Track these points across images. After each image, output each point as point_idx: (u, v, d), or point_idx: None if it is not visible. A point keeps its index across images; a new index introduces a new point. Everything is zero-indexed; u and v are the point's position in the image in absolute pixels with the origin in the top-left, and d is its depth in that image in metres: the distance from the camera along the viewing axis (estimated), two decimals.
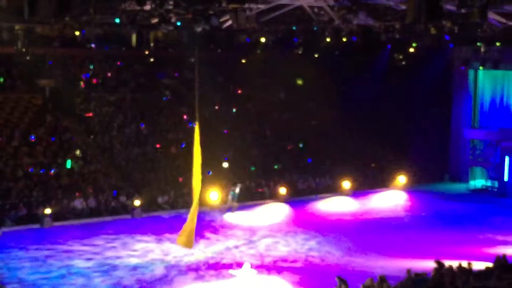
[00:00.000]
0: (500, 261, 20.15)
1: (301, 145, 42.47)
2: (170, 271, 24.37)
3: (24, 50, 39.19)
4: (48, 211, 30.57)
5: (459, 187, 41.54)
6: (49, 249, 26.84)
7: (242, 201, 35.05)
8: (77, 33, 32.49)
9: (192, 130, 39.14)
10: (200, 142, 28.37)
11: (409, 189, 39.96)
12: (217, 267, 24.79)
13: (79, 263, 24.98)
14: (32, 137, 35.30)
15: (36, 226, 30.36)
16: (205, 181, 33.83)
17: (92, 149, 36.55)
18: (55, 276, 23.54)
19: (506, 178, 39.38)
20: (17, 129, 35.41)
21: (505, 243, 28.19)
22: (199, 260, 25.69)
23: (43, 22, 30.33)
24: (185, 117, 40.73)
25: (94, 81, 40.83)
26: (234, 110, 43.35)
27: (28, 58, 39.42)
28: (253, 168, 38.88)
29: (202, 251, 26.80)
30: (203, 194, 33.86)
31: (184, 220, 27.03)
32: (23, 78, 38.55)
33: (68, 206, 31.87)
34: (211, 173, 35.48)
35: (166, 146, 38.30)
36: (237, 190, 33.71)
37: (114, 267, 24.68)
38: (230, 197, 33.75)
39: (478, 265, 20.66)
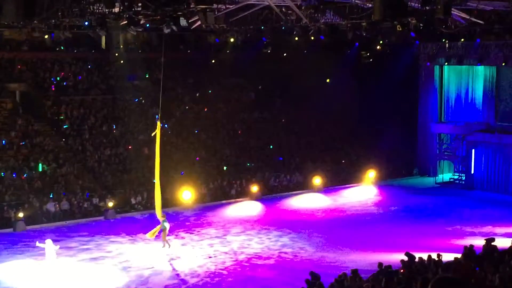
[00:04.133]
0: (467, 252, 20.66)
1: (271, 144, 42.73)
2: (145, 271, 24.54)
3: None
4: (21, 215, 30.51)
5: (428, 180, 42.20)
6: (22, 253, 26.81)
7: (215, 200, 35.41)
8: (46, 36, 32.40)
9: (163, 130, 39.49)
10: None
11: (379, 184, 40.52)
12: (191, 266, 25.02)
13: (53, 267, 24.99)
14: (3, 141, 35.17)
15: (9, 230, 30.28)
16: (178, 181, 34.46)
17: (64, 151, 36.52)
18: (29, 281, 23.52)
19: (472, 171, 40.16)
20: None
21: (473, 234, 28.87)
22: (174, 259, 25.92)
23: (11, 26, 30.22)
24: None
25: (64, 84, 40.71)
26: (205, 110, 43.52)
27: None
28: (225, 168, 39.12)
29: (177, 250, 27.03)
30: (176, 194, 34.22)
31: (158, 221, 27.34)
32: None
33: (41, 210, 31.83)
34: (183, 173, 35.76)
35: (138, 147, 38.36)
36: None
37: (89, 269, 24.78)
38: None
39: (447, 257, 21.14)
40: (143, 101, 41.72)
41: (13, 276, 24.09)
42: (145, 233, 29.46)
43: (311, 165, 40.39)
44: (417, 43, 42.08)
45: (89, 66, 42.30)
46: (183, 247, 27.58)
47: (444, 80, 43.37)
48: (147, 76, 43.16)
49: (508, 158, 38.22)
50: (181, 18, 25.52)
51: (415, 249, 22.35)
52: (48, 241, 24.29)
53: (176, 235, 29.31)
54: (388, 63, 44.18)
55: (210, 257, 25.97)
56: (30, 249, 27.19)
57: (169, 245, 27.08)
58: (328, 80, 47.08)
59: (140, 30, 27.21)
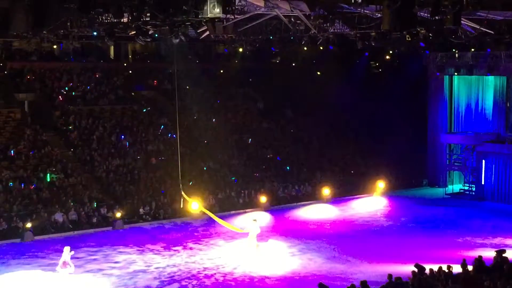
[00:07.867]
0: (476, 264, 20.47)
1: (279, 154, 42.53)
2: (152, 282, 24.42)
3: (1, 64, 39.22)
4: (29, 225, 30.47)
5: (438, 191, 41.91)
6: (30, 264, 26.74)
7: (223, 211, 35.22)
8: (54, 46, 32.47)
9: (172, 141, 39.35)
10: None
11: (388, 195, 40.29)
12: (199, 277, 24.89)
13: (61, 277, 24.91)
14: (12, 151, 35.16)
15: (17, 240, 30.23)
16: (186, 192, 34.28)
17: (72, 161, 36.50)
18: None
19: (483, 182, 39.88)
20: None
21: (484, 246, 28.62)
22: (182, 270, 25.78)
23: (20, 37, 30.27)
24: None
25: (73, 94, 40.74)
26: (213, 120, 43.43)
27: (6, 72, 39.46)
28: (233, 178, 38.97)
29: (185, 261, 26.91)
30: (185, 204, 34.08)
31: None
32: (1, 92, 38.44)
33: (49, 220, 31.77)
34: (192, 183, 35.63)
35: (146, 157, 38.30)
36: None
37: (97, 280, 24.67)
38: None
39: (458, 269, 20.94)
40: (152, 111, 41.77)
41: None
42: (153, 244, 29.41)
43: (320, 176, 40.23)
44: (426, 53, 41.89)
45: (98, 76, 42.31)
46: (192, 258, 27.44)
47: (454, 90, 43.19)
48: (155, 86, 43.13)
49: None
50: (190, 28, 25.52)
51: (425, 261, 22.10)
52: (66, 249, 24.60)
53: (185, 246, 29.20)
54: (397, 73, 44.05)
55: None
56: (39, 260, 27.20)
57: (257, 246, 27.47)
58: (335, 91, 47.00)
59: (149, 40, 27.19)
